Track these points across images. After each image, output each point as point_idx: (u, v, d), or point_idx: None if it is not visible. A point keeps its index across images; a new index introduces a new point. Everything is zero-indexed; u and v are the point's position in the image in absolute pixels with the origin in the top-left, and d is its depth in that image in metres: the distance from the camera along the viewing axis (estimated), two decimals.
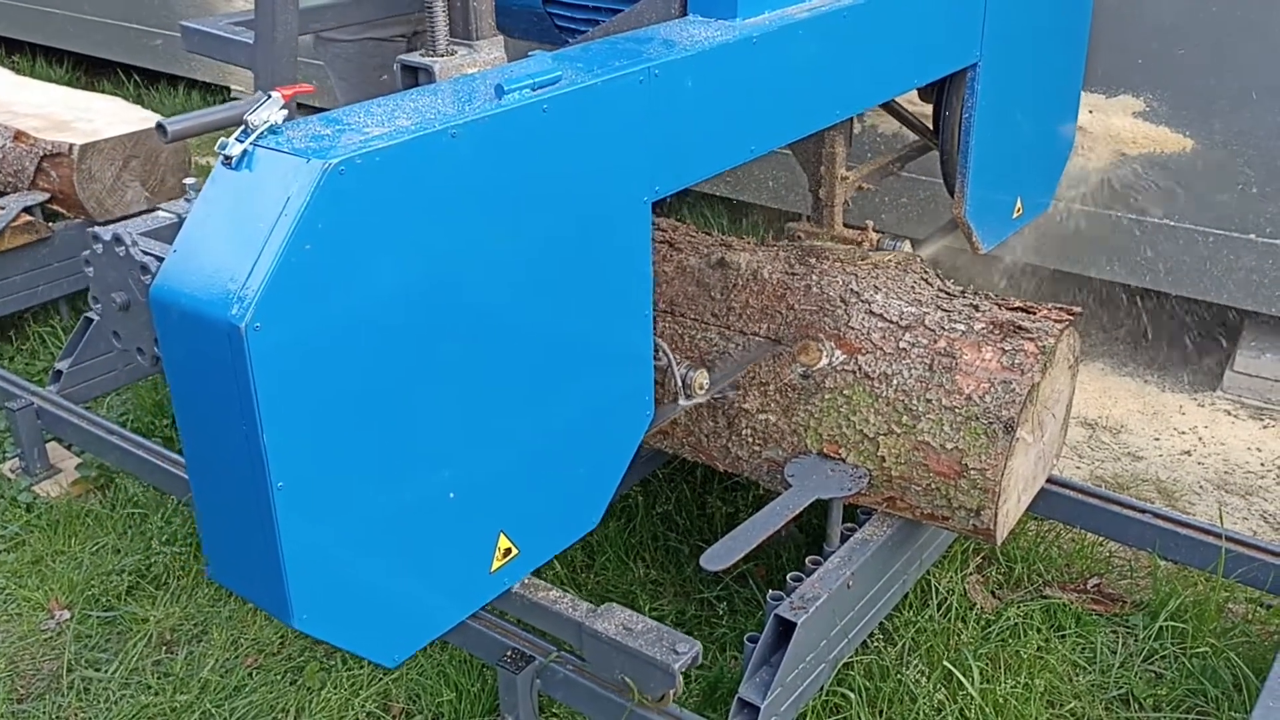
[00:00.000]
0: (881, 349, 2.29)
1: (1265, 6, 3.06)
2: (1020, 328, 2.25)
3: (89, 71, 6.44)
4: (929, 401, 2.22)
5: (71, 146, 3.56)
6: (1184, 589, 2.57)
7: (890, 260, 2.49)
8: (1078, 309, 2.34)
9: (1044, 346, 2.20)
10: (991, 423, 2.16)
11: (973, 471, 2.17)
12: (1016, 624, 2.50)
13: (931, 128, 2.80)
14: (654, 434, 2.47)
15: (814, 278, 2.43)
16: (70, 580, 2.72)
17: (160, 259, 1.75)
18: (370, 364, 1.54)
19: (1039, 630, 2.49)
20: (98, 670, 2.50)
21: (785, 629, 2.07)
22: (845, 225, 2.67)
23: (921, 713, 2.28)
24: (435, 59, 1.88)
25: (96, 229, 1.84)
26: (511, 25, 2.58)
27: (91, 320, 3.16)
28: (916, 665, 2.40)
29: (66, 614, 2.66)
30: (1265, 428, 3.30)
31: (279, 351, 1.43)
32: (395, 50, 3.21)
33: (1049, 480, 2.60)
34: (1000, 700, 2.29)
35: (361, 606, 1.66)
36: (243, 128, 1.50)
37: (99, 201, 3.63)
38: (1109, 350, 3.70)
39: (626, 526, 2.81)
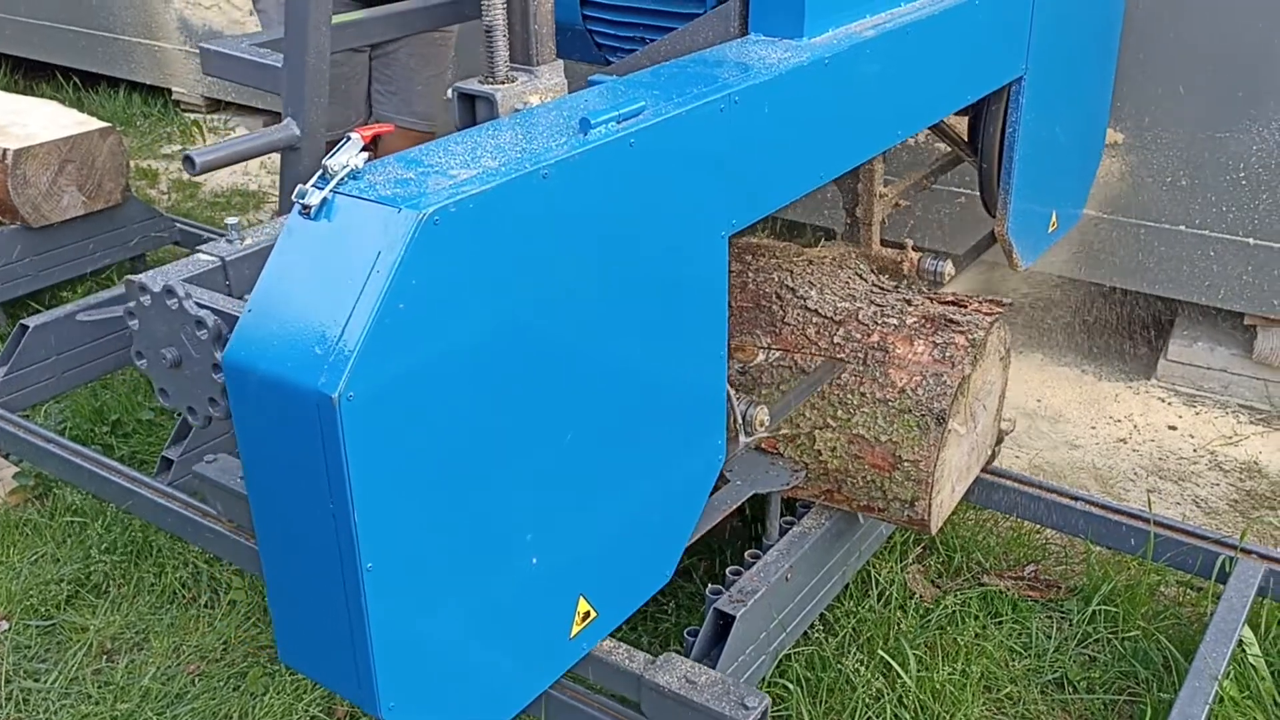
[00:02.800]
0: (817, 344, 2.32)
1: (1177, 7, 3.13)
2: (951, 321, 2.29)
3: (27, 74, 6.34)
4: (863, 395, 2.25)
5: (5, 151, 3.51)
6: (1116, 574, 2.62)
7: (825, 256, 2.52)
8: (1007, 301, 2.38)
9: (974, 339, 2.24)
10: (924, 415, 2.19)
11: (906, 463, 2.21)
12: (954, 612, 2.54)
13: (967, 140, 2.72)
14: None
15: (750, 274, 2.46)
16: (8, 590, 2.69)
17: (216, 313, 1.64)
18: (461, 427, 1.43)
19: (976, 618, 2.53)
20: (37, 680, 2.47)
21: (724, 622, 2.10)
22: (882, 243, 2.57)
23: (861, 702, 2.32)
24: (496, 87, 1.78)
25: (143, 279, 1.71)
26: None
27: (27, 328, 3.12)
28: (856, 655, 2.43)
29: (4, 624, 2.63)
30: (1198, 414, 3.38)
31: (372, 422, 1.31)
32: (360, 64, 3.21)
33: (987, 470, 2.64)
34: (938, 687, 2.33)
35: (447, 688, 1.55)
36: (320, 173, 1.39)
37: (35, 207, 3.59)
38: (1047, 341, 3.76)
39: None
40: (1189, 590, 2.62)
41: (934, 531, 2.29)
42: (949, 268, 2.51)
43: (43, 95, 5.42)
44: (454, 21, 2.67)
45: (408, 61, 3.29)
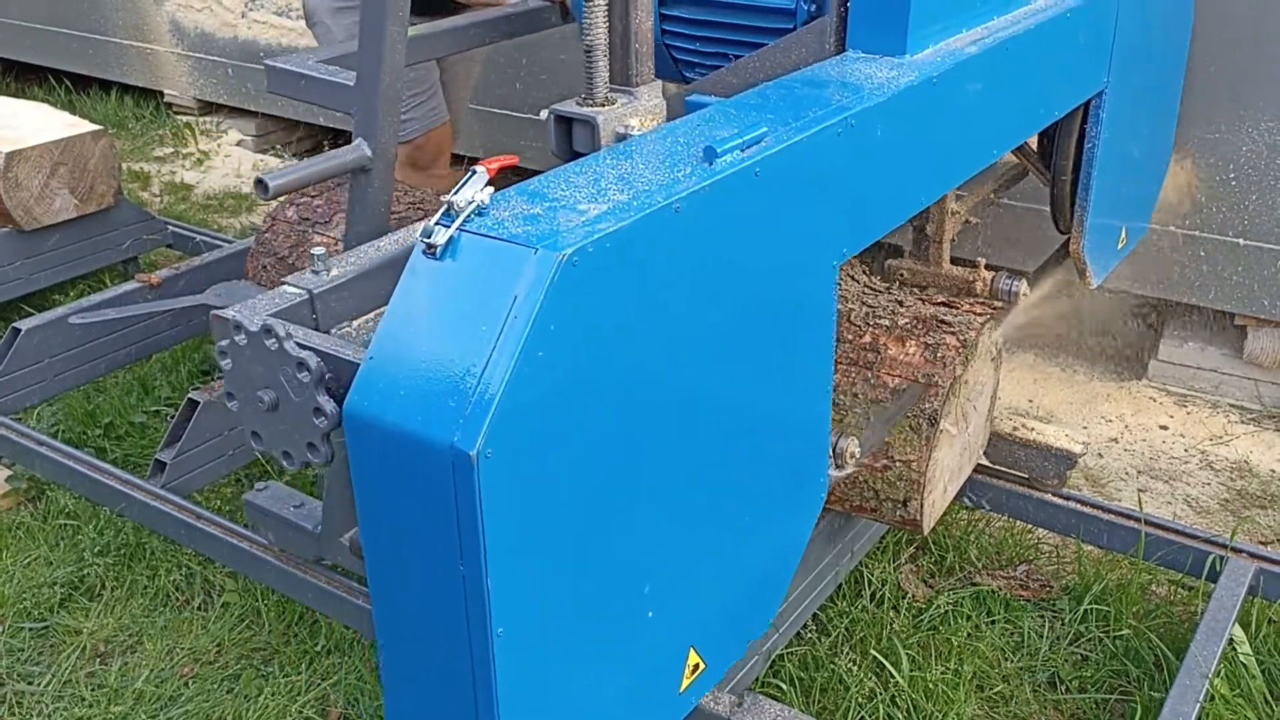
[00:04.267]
0: None
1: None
2: (943, 322, 2.30)
3: (18, 77, 6.33)
4: (855, 396, 2.26)
5: None
6: (1108, 573, 2.63)
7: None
8: (999, 303, 2.39)
9: (965, 340, 2.25)
10: (915, 416, 2.20)
11: (899, 464, 2.22)
12: (947, 612, 2.55)
13: (1038, 154, 2.66)
14: None
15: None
16: (1, 593, 2.69)
17: (319, 354, 1.56)
18: (592, 479, 1.36)
19: (969, 617, 2.54)
20: (30, 683, 2.47)
21: None
22: (952, 261, 2.50)
23: (854, 702, 2.32)
24: (596, 109, 1.70)
25: (237, 316, 1.62)
26: None
27: (19, 331, 3.12)
28: (849, 655, 2.44)
29: None
30: (1189, 414, 3.39)
31: (509, 480, 1.23)
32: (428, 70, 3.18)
33: (979, 469, 2.66)
34: (930, 687, 2.34)
35: None
36: (444, 210, 1.31)
37: (27, 210, 3.58)
38: (1039, 341, 3.77)
39: None
40: (1180, 589, 2.63)
41: (926, 531, 2.30)
42: (1024, 287, 2.42)
43: (34, 98, 5.41)
44: (525, 33, 2.63)
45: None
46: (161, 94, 5.75)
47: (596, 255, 1.26)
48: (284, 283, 1.77)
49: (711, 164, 1.45)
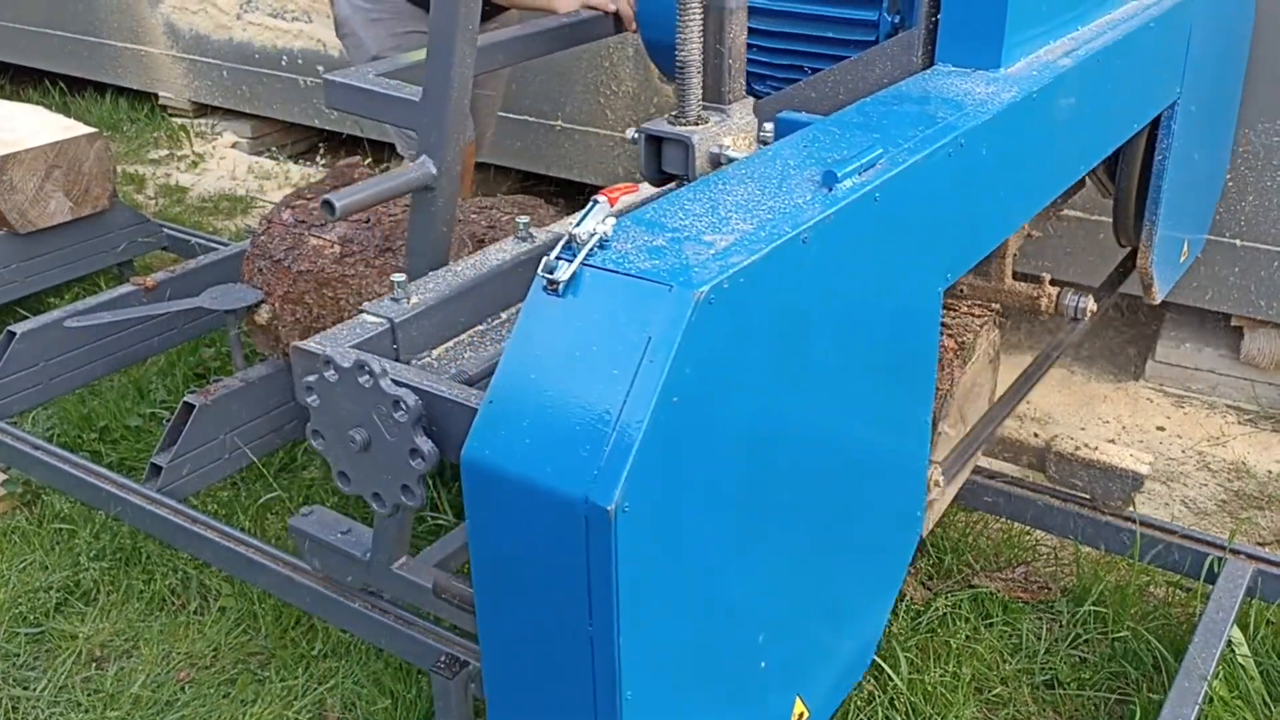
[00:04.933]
0: None
1: None
2: (941, 324, 2.29)
3: (13, 80, 6.32)
4: None
5: None
6: (1106, 575, 2.63)
7: None
8: (996, 305, 2.38)
9: (963, 342, 2.24)
10: None
11: None
12: (945, 614, 2.55)
13: (1101, 166, 2.57)
14: None
15: None
16: None
17: (417, 391, 1.48)
18: (719, 530, 1.29)
19: (967, 619, 2.54)
20: (26, 689, 2.46)
21: None
22: (1016, 277, 2.44)
23: (852, 704, 2.32)
24: (690, 129, 1.64)
25: (328, 352, 1.53)
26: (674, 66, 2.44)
27: (14, 334, 3.11)
28: None
29: None
30: (1185, 415, 3.39)
31: (644, 535, 1.15)
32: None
33: (976, 471, 2.65)
34: (929, 689, 2.34)
35: None
36: (564, 243, 1.23)
37: (21, 213, 3.57)
38: (1036, 343, 3.77)
39: None
40: (1178, 591, 2.63)
41: (925, 534, 2.29)
42: (1090, 303, 2.36)
43: (29, 101, 5.40)
44: (582, 42, 2.60)
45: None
46: (156, 96, 5.74)
47: (731, 291, 1.19)
48: (363, 311, 1.71)
49: (831, 189, 1.38)
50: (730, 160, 1.60)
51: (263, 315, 2.81)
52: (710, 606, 1.31)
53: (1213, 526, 2.91)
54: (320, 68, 4.97)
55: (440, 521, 2.82)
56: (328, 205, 1.67)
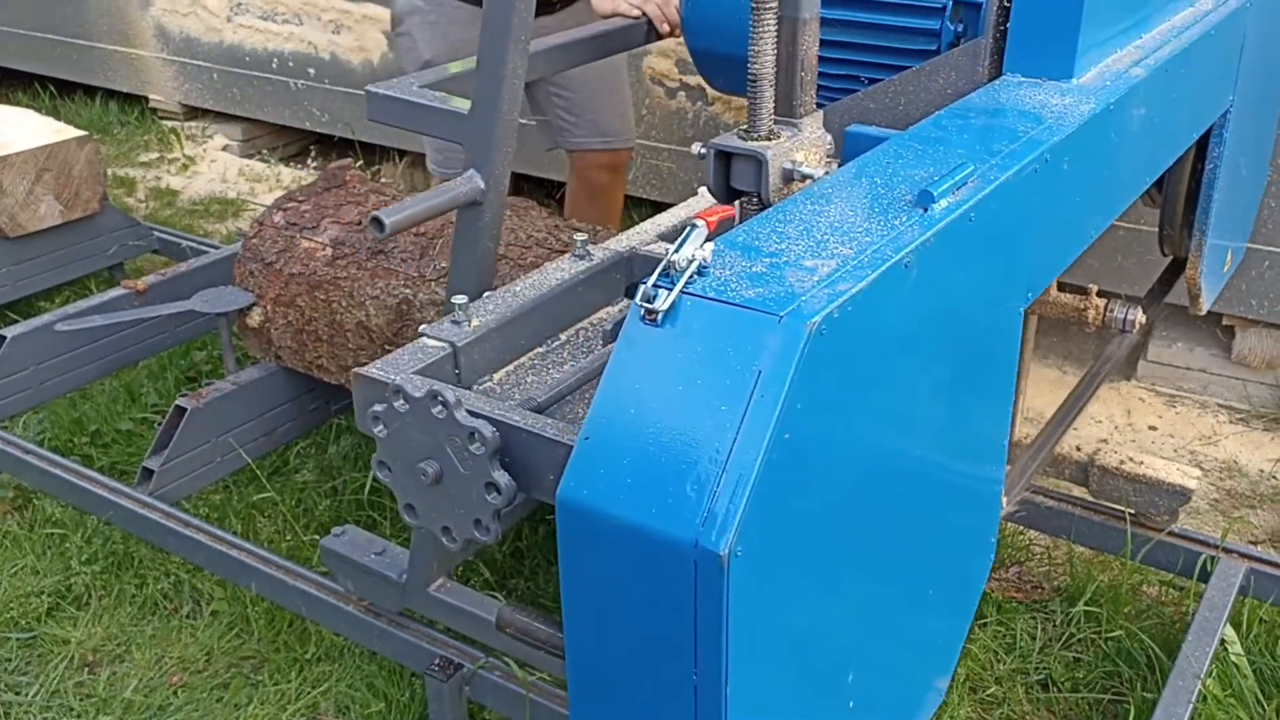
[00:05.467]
0: None
1: None
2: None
3: (2, 83, 6.30)
4: None
5: None
6: (1100, 574, 2.64)
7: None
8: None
9: None
10: None
11: None
12: None
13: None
14: None
15: None
16: None
17: (494, 423, 1.42)
18: (821, 570, 1.25)
19: None
20: (18, 694, 2.45)
21: None
22: (1061, 288, 2.36)
23: None
24: (763, 144, 1.58)
25: (398, 381, 1.48)
26: (729, 79, 2.31)
27: (5, 338, 3.09)
28: None
29: None
30: (1177, 414, 3.40)
31: (755, 580, 1.10)
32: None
33: None
34: None
35: None
36: (661, 270, 1.18)
37: (11, 216, 3.56)
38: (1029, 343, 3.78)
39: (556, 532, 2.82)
40: (1171, 590, 2.64)
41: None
42: (1140, 315, 2.30)
43: (18, 104, 5.38)
44: (620, 50, 2.54)
45: (585, 83, 3.13)
46: (146, 99, 5.72)
47: (840, 321, 1.13)
48: (423, 334, 1.66)
49: (927, 210, 1.33)
50: (804, 177, 1.56)
51: (254, 318, 2.81)
52: (808, 648, 1.28)
53: (1205, 525, 2.92)
54: (311, 70, 4.97)
55: None
56: (377, 223, 1.62)
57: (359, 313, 2.61)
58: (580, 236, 1.88)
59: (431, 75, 2.03)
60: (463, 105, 1.86)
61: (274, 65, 5.08)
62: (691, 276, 1.17)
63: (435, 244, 2.60)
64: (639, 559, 1.11)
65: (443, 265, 2.55)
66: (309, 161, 5.44)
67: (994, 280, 1.50)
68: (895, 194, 1.38)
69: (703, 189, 2.10)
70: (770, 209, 1.38)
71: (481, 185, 1.82)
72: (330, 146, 5.39)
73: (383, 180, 4.92)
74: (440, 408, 1.43)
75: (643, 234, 1.93)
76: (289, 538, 2.84)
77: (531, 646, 1.63)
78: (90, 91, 5.97)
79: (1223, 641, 2.31)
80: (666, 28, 2.55)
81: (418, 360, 1.60)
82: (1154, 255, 2.90)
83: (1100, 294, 2.33)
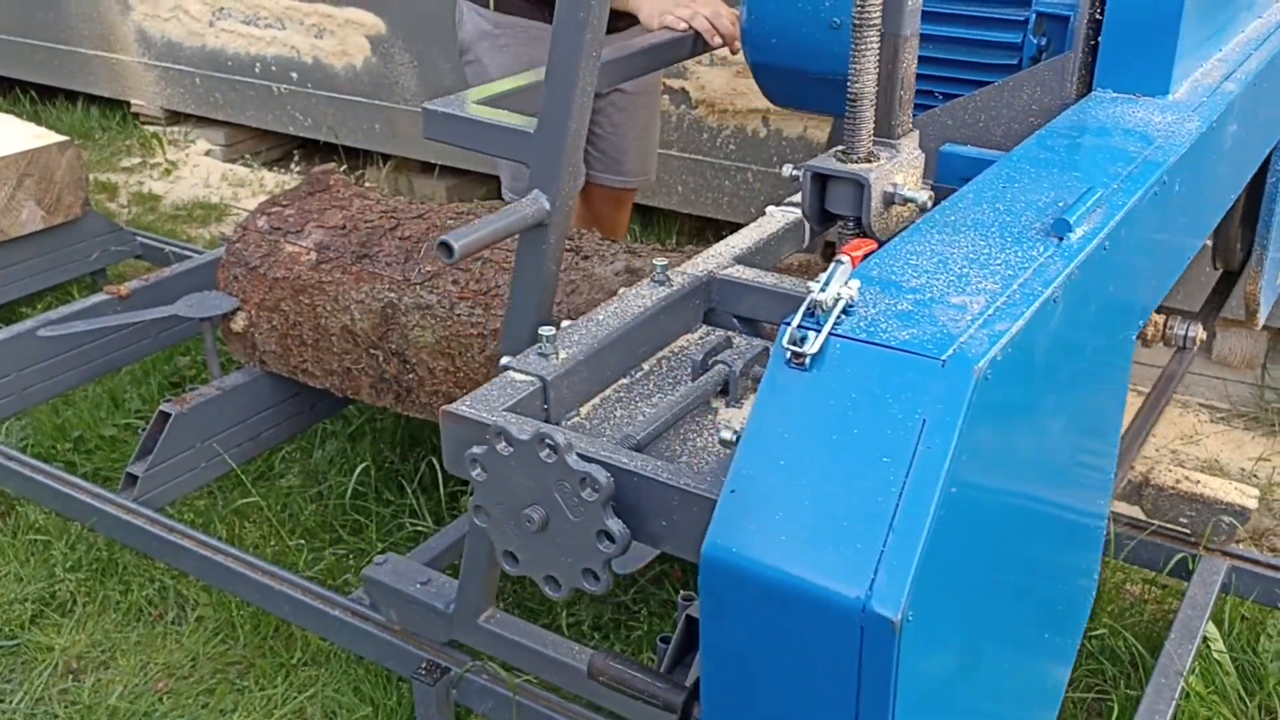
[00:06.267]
0: None
1: None
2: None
3: None
4: None
5: None
6: None
7: (792, 263, 2.53)
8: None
9: None
10: None
11: None
12: None
13: None
14: None
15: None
16: None
17: (609, 467, 1.35)
18: (974, 626, 1.19)
19: None
20: (2, 701, 2.44)
21: (696, 629, 2.10)
22: None
23: None
24: (864, 167, 1.52)
25: (501, 422, 1.41)
26: (789, 93, 2.26)
27: None
28: None
29: None
30: (1159, 413, 3.42)
31: (920, 643, 1.03)
32: None
33: None
34: None
35: None
36: (805, 309, 1.11)
37: None
38: None
39: None
40: (1154, 588, 2.66)
41: None
42: (1200, 332, 2.24)
43: None
44: (670, 63, 2.48)
45: (615, 116, 3.08)
46: (128, 104, 5.70)
47: (1002, 364, 1.07)
48: (508, 367, 1.58)
49: (1063, 239, 1.27)
50: (906, 200, 1.51)
51: (238, 323, 2.80)
52: (955, 706, 1.22)
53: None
54: (294, 75, 4.96)
55: (419, 528, 2.81)
56: (445, 248, 1.56)
57: (344, 317, 2.61)
58: (660, 262, 1.80)
59: (486, 91, 1.95)
60: (529, 123, 1.78)
61: (256, 70, 5.07)
62: (839, 317, 1.10)
63: (420, 248, 2.60)
64: (795, 620, 1.04)
65: (427, 269, 2.55)
66: (292, 166, 5.43)
67: (1117, 309, 1.45)
68: (1023, 221, 1.33)
69: (771, 208, 2.04)
70: (897, 239, 1.31)
71: (547, 207, 1.75)
72: (314, 151, 5.38)
73: (366, 184, 4.92)
74: (549, 451, 1.35)
75: (718, 256, 1.85)
76: (274, 543, 2.83)
77: (628, 696, 1.58)
78: (72, 97, 5.94)
79: (1205, 639, 2.33)
80: (718, 40, 2.47)
81: (507, 396, 1.51)
82: (1201, 269, 2.88)
83: (1158, 310, 2.32)
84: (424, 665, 2.19)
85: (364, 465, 2.96)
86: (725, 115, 4.03)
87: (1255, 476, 3.10)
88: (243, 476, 2.94)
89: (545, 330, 1.59)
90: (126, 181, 5.21)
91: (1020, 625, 1.38)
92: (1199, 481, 2.48)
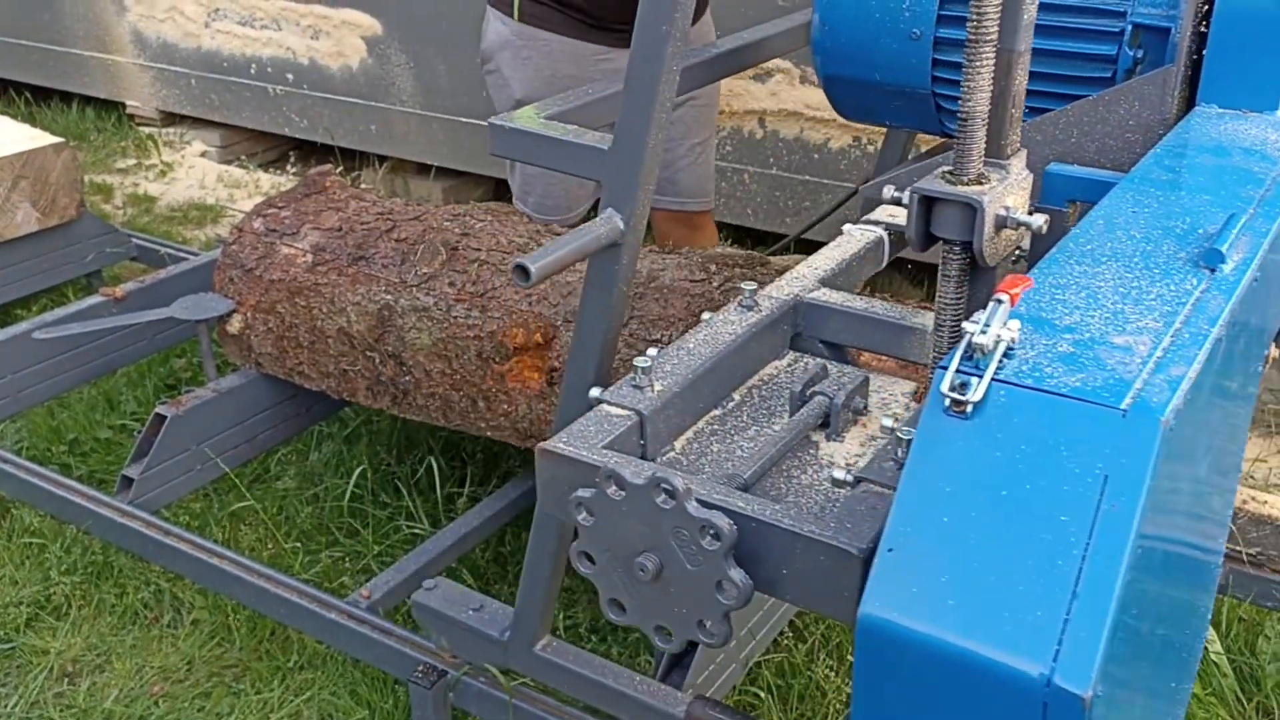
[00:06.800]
0: None
1: None
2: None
3: None
4: None
5: None
6: None
7: (790, 265, 2.53)
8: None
9: None
10: None
11: None
12: None
13: None
14: None
15: (714, 284, 2.47)
16: None
17: (730, 514, 1.29)
18: (1141, 685, 1.14)
19: None
20: None
21: None
22: None
23: (832, 708, 2.32)
24: (975, 188, 1.44)
25: (614, 465, 1.33)
26: (862, 106, 2.19)
27: None
28: (826, 661, 2.44)
29: None
30: None
31: (1108, 716, 0.96)
32: None
33: None
34: None
35: None
36: (963, 350, 1.05)
37: None
38: None
39: None
40: None
41: None
42: (1273, 349, 2.19)
43: None
44: (734, 72, 2.35)
45: (670, 130, 3.00)
46: (123, 105, 5.69)
47: (1181, 411, 1.00)
48: (601, 401, 1.51)
49: (1215, 270, 1.21)
50: (1018, 225, 1.45)
51: (234, 325, 2.80)
52: None
53: None
54: (289, 76, 4.95)
55: (416, 530, 2.80)
56: (522, 271, 1.51)
57: (340, 319, 2.61)
58: (749, 285, 1.75)
59: (557, 105, 1.88)
60: (603, 139, 1.71)
61: (252, 71, 5.06)
62: (1000, 363, 1.04)
63: (416, 249, 2.60)
64: (967, 695, 0.96)
65: (424, 271, 2.54)
66: (288, 167, 5.42)
67: (1255, 341, 1.41)
68: (1165, 250, 1.27)
69: (848, 226, 1.98)
70: (1036, 272, 1.25)
71: (621, 226, 1.68)
72: (309, 152, 5.37)
73: (363, 186, 4.91)
74: (665, 497, 1.29)
75: (803, 280, 1.80)
76: (270, 545, 2.82)
77: None
78: (66, 98, 5.93)
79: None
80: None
81: (604, 432, 1.45)
82: None
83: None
84: (421, 668, 2.18)
85: (361, 468, 2.95)
86: (722, 116, 4.03)
87: (1252, 477, 3.11)
88: (237, 481, 2.94)
89: (641, 361, 1.53)
90: (122, 183, 5.20)
91: (1161, 677, 1.33)
92: (1265, 502, 2.40)
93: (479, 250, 2.56)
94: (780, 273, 2.51)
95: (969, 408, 1.02)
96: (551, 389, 2.42)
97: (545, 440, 1.44)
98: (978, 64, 1.42)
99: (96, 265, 3.90)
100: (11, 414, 3.20)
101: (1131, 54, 1.82)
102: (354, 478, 2.92)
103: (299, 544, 2.81)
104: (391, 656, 2.25)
